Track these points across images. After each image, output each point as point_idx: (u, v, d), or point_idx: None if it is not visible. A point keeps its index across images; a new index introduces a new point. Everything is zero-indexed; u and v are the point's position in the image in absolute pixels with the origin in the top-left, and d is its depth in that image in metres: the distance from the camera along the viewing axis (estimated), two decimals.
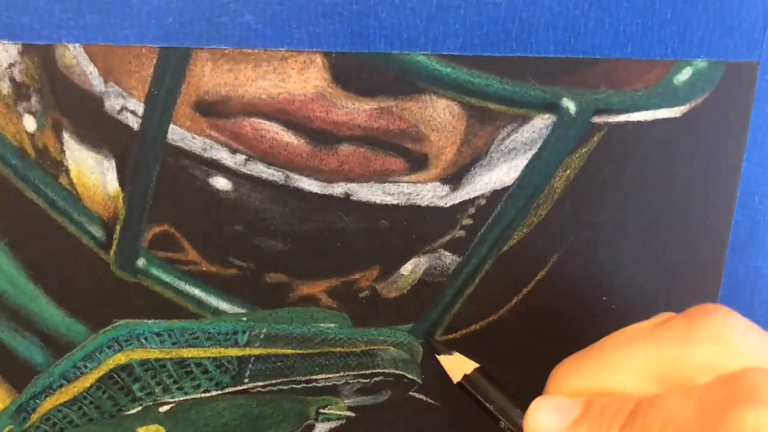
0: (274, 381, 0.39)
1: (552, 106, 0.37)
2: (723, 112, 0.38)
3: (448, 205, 0.38)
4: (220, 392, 0.39)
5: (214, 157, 0.36)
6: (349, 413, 0.41)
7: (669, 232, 0.39)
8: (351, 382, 0.40)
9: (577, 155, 0.38)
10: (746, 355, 0.27)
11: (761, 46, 0.37)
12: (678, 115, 0.38)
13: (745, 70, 0.37)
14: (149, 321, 0.38)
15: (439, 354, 0.39)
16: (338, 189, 0.37)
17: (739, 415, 0.25)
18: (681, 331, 0.29)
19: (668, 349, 0.29)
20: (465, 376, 0.37)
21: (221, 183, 0.37)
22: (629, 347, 0.30)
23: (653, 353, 0.29)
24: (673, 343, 0.29)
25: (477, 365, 0.37)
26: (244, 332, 0.39)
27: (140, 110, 0.35)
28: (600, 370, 0.30)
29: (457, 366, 0.38)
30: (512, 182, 0.38)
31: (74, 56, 0.34)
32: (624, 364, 0.30)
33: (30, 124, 0.35)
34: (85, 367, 0.38)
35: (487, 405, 0.36)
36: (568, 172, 0.38)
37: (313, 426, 0.41)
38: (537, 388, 0.41)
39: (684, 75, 0.37)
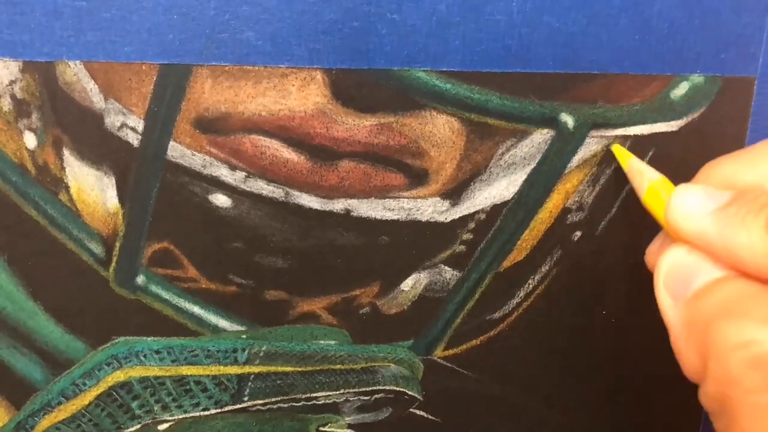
0: (273, 399, 0.39)
1: (550, 121, 0.37)
2: (720, 127, 0.38)
3: (448, 220, 0.38)
4: (219, 410, 0.39)
5: (213, 174, 0.36)
6: (349, 431, 0.40)
7: None
8: (351, 399, 0.40)
9: (575, 169, 0.38)
10: None
11: (758, 61, 0.37)
12: (675, 129, 0.38)
13: (742, 84, 0.38)
14: (148, 338, 0.38)
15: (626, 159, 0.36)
16: (338, 205, 0.37)
17: None
18: None
19: None
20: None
21: (221, 200, 0.37)
22: None
23: None
24: None
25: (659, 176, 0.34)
26: (243, 350, 0.39)
27: (140, 127, 0.35)
28: (753, 161, 0.29)
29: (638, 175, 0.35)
30: (512, 196, 0.38)
31: (75, 73, 0.34)
32: None
33: (30, 140, 0.35)
34: (84, 384, 0.38)
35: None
36: (567, 185, 0.38)
37: None
38: (539, 401, 0.41)
39: (681, 90, 0.37)
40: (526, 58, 0.36)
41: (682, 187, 0.30)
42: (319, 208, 0.37)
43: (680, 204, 0.29)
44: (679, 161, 0.38)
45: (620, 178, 0.38)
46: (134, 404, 0.38)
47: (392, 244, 0.38)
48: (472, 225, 0.38)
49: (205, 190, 0.36)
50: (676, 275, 0.29)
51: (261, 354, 0.39)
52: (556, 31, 0.36)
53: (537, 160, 0.38)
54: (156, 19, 0.34)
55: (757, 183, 0.29)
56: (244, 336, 0.38)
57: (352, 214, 0.37)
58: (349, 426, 0.40)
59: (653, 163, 0.38)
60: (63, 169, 0.35)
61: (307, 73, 0.35)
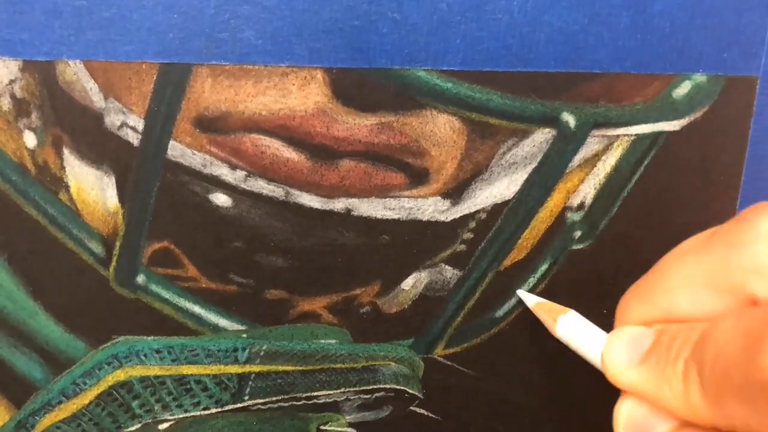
0: (274, 398, 0.39)
1: (552, 121, 0.37)
2: (722, 126, 0.38)
3: (448, 219, 0.38)
4: (219, 410, 0.39)
5: (214, 173, 0.36)
6: (350, 429, 0.40)
7: (668, 245, 0.39)
8: (352, 398, 0.40)
9: (576, 169, 0.38)
10: None
11: (760, 60, 0.37)
12: (677, 128, 0.38)
13: (744, 84, 0.37)
14: (149, 338, 0.38)
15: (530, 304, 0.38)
16: (339, 204, 0.37)
17: None
18: (731, 234, 0.27)
19: (717, 255, 0.27)
20: (559, 326, 0.36)
21: (221, 199, 0.36)
22: (681, 262, 0.29)
23: (703, 262, 0.28)
24: (722, 247, 0.27)
25: (569, 310, 0.36)
26: (244, 349, 0.39)
27: (140, 126, 0.35)
28: (658, 293, 0.30)
29: (550, 312, 0.37)
30: (512, 196, 0.38)
31: (74, 72, 0.34)
32: (677, 280, 0.29)
33: (30, 140, 0.35)
34: (85, 383, 0.38)
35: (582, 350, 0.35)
36: (567, 185, 0.38)
37: None
38: (539, 400, 0.41)
39: (683, 89, 0.37)
40: (527, 57, 0.36)
41: (611, 337, 0.31)
42: (319, 207, 0.37)
43: (609, 359, 0.30)
44: (682, 161, 0.38)
45: (621, 177, 0.38)
46: (135, 403, 0.38)
47: (393, 243, 0.38)
48: (472, 224, 0.38)
49: (205, 189, 0.36)
50: (632, 427, 0.30)
51: (261, 353, 0.39)
52: (557, 30, 0.36)
53: (538, 160, 0.38)
54: (156, 19, 0.34)
55: (667, 314, 0.30)
56: (244, 335, 0.38)
57: (352, 213, 0.37)
58: (350, 424, 0.40)
59: (656, 162, 0.38)
60: (63, 168, 0.35)
61: (308, 72, 0.35)
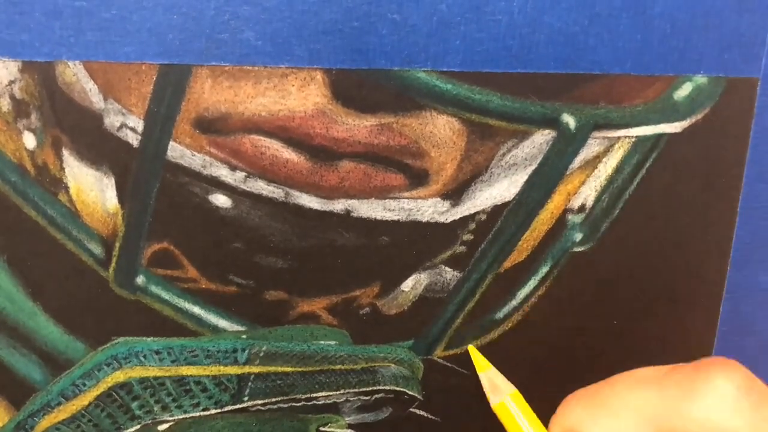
0: (273, 399, 0.39)
1: (552, 122, 0.37)
2: (723, 127, 0.38)
3: (448, 220, 0.38)
4: (219, 411, 0.39)
5: (213, 174, 0.36)
6: (349, 431, 0.40)
7: (670, 247, 0.39)
8: (351, 399, 0.40)
9: (577, 170, 0.38)
10: (743, 417, 0.28)
11: (761, 62, 0.37)
12: (678, 130, 0.38)
13: (745, 85, 0.37)
14: (148, 339, 0.38)
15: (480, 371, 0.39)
16: (338, 205, 0.37)
17: None
18: (686, 381, 0.29)
19: (670, 398, 0.29)
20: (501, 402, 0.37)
21: (221, 200, 0.36)
22: (634, 390, 0.31)
23: (656, 399, 0.30)
24: (675, 392, 0.29)
25: (514, 390, 0.38)
26: (243, 350, 0.38)
27: (140, 127, 0.35)
28: (604, 409, 0.31)
29: (495, 387, 0.38)
30: (513, 197, 0.38)
31: (74, 73, 0.34)
32: (626, 406, 0.30)
33: (30, 141, 0.35)
34: (84, 384, 0.38)
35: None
36: (568, 186, 0.38)
37: None
38: (539, 404, 0.41)
39: (684, 90, 0.37)
40: (527, 59, 0.36)
41: None
42: (319, 208, 0.37)
43: None
44: (683, 163, 0.38)
45: (623, 179, 0.38)
46: (134, 405, 0.38)
47: (392, 244, 0.38)
48: (472, 226, 0.38)
49: (205, 190, 0.36)
50: None
51: (261, 354, 0.39)
52: (557, 31, 0.36)
53: (538, 161, 0.37)
54: (156, 19, 0.34)
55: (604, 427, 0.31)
56: (244, 336, 0.38)
57: (352, 214, 0.37)
58: (349, 426, 0.40)
59: (657, 164, 0.38)
60: (62, 169, 0.35)
61: (307, 73, 0.35)
